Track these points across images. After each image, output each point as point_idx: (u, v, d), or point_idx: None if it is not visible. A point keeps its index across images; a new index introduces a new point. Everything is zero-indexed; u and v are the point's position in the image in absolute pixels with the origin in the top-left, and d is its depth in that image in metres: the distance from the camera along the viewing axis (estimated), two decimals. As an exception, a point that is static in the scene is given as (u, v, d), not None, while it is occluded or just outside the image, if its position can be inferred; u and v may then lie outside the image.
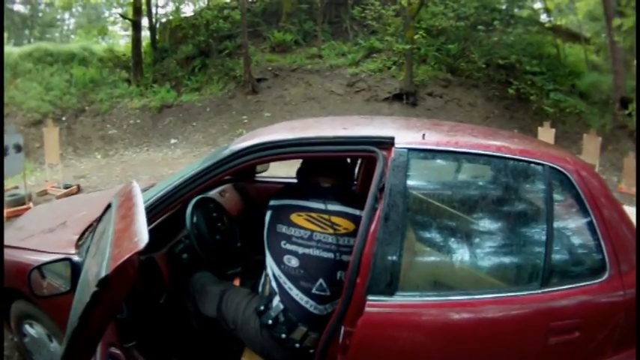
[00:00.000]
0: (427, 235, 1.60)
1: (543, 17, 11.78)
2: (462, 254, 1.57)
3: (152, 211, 1.60)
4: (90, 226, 2.03)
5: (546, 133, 6.82)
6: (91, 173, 7.48)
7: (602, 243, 1.51)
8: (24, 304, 2.05)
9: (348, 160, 2.02)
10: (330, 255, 1.54)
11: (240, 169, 1.62)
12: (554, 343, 1.43)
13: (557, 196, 1.57)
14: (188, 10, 11.78)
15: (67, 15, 18.33)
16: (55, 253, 1.84)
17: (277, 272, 1.56)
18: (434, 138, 1.54)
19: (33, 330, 2.13)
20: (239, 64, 10.07)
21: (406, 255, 1.44)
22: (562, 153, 1.68)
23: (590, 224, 1.52)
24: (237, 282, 2.00)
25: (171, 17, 11.52)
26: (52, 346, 2.09)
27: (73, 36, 17.07)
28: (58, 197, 5.69)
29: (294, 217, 1.57)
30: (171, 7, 11.80)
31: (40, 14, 17.90)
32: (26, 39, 16.37)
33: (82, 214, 2.31)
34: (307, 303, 1.52)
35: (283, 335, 1.52)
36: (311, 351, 1.52)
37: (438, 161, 1.56)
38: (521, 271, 1.56)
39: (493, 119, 9.69)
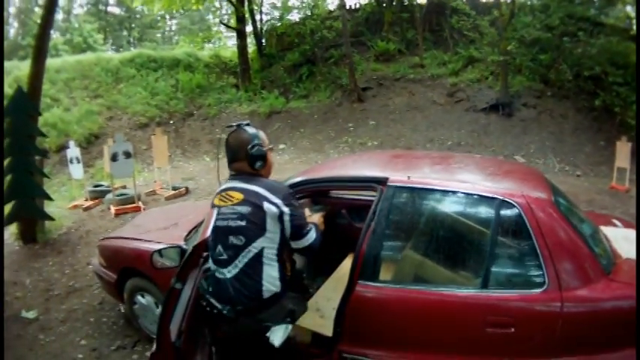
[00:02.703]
0: (401, 243, 2.24)
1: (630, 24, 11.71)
2: (425, 258, 2.14)
3: None
4: (195, 227, 2.88)
5: (624, 148, 6.91)
6: (199, 175, 7.93)
7: (542, 262, 1.88)
8: (139, 280, 2.85)
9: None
10: (224, 223, 1.79)
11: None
12: (491, 333, 1.86)
13: (505, 222, 1.99)
14: (295, 17, 12.17)
15: (167, 16, 18.37)
16: (170, 244, 2.61)
17: None
18: (416, 178, 2.17)
19: (144, 299, 2.88)
20: (345, 72, 10.45)
21: (385, 256, 2.14)
22: (525, 189, 2.09)
23: (531, 246, 1.92)
24: None
25: (277, 24, 11.90)
26: (157, 311, 2.82)
27: (176, 37, 17.15)
28: (167, 198, 6.25)
29: (215, 200, 1.90)
30: (275, 14, 12.21)
31: (139, 16, 17.78)
32: (125, 40, 16.71)
33: (189, 217, 3.19)
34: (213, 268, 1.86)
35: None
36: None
37: (416, 195, 2.19)
38: (467, 275, 2.07)
39: (582, 131, 9.68)
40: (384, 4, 11.62)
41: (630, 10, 12.27)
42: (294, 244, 1.82)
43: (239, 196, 1.78)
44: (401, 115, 9.94)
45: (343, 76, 10.55)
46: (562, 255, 1.90)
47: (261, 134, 1.91)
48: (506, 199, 2.00)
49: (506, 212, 2.00)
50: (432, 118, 9.86)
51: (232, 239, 1.75)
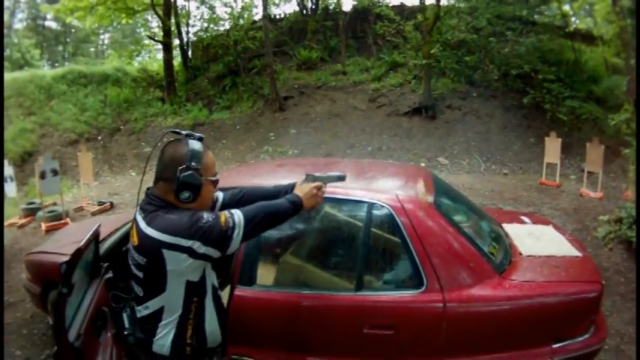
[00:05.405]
0: (280, 249, 2.24)
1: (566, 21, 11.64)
2: (304, 263, 2.18)
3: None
4: (103, 239, 2.83)
5: (553, 143, 6.96)
6: (124, 190, 7.95)
7: (418, 262, 1.86)
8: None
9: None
10: (130, 263, 1.51)
11: None
12: (369, 334, 1.89)
13: (378, 225, 2.02)
14: (221, 27, 12.16)
15: (101, 30, 18.21)
16: None
17: None
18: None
19: None
20: (267, 82, 10.46)
21: (264, 262, 2.13)
22: (401, 192, 2.10)
23: (406, 247, 1.90)
24: None
25: (204, 36, 11.90)
26: None
27: (108, 51, 17.40)
28: (93, 214, 6.30)
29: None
30: (200, 26, 12.23)
31: (73, 30, 17.81)
32: (60, 55, 16.85)
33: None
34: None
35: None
36: None
37: None
38: (343, 278, 2.07)
39: (510, 129, 9.78)
40: (308, 13, 11.64)
41: (568, 8, 12.30)
42: (233, 250, 1.47)
43: (136, 239, 1.44)
44: (322, 123, 9.94)
45: (265, 86, 10.55)
46: (442, 255, 1.88)
47: (208, 157, 1.47)
48: (377, 202, 1.99)
49: (378, 215, 1.99)
50: (353, 124, 9.86)
51: (135, 287, 1.50)
